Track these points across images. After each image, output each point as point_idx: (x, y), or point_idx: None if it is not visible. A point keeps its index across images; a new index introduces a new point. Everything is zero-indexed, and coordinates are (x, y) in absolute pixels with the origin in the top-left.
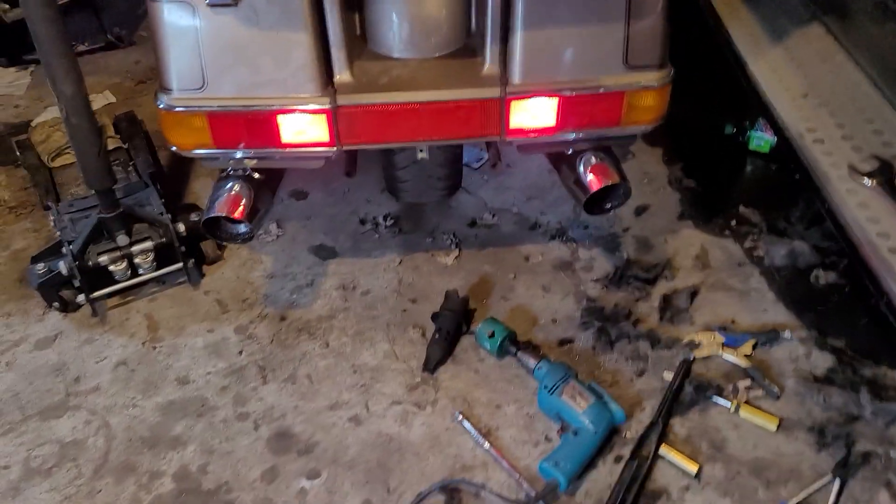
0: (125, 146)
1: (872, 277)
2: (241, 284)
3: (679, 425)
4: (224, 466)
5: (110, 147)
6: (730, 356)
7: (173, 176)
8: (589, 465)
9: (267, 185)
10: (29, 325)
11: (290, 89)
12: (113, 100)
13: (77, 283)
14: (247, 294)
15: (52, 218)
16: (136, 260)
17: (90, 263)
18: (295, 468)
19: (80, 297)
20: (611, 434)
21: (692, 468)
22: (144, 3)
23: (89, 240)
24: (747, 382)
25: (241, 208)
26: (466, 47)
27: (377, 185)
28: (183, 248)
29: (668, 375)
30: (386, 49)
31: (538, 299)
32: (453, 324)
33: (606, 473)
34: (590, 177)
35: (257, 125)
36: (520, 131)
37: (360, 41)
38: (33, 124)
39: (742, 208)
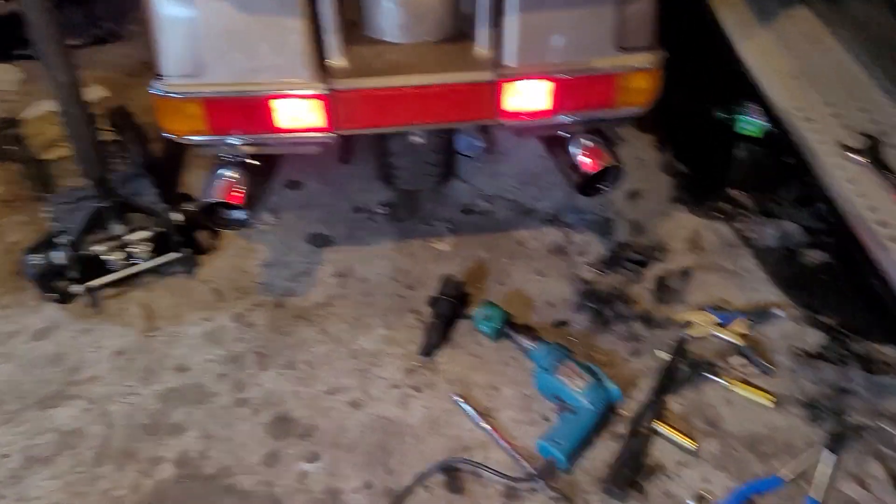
0: (118, 138)
1: (861, 250)
2: (237, 273)
3: (674, 402)
4: (224, 451)
5: (104, 139)
6: (723, 335)
7: (166, 167)
8: (587, 442)
9: (263, 171)
10: (25, 317)
11: (285, 74)
12: (105, 93)
13: (73, 274)
14: (243, 283)
15: (46, 209)
16: (132, 249)
17: (86, 253)
18: (295, 452)
19: (76, 288)
20: (607, 412)
21: (688, 444)
22: None
23: (85, 229)
24: (740, 360)
25: (237, 194)
26: (460, 31)
27: (372, 174)
28: (178, 238)
29: (663, 355)
30: (380, 33)
31: (533, 283)
32: (450, 308)
33: (604, 451)
34: (583, 159)
35: (252, 111)
36: (514, 114)
37: (354, 26)
38: (25, 118)
39: (733, 191)
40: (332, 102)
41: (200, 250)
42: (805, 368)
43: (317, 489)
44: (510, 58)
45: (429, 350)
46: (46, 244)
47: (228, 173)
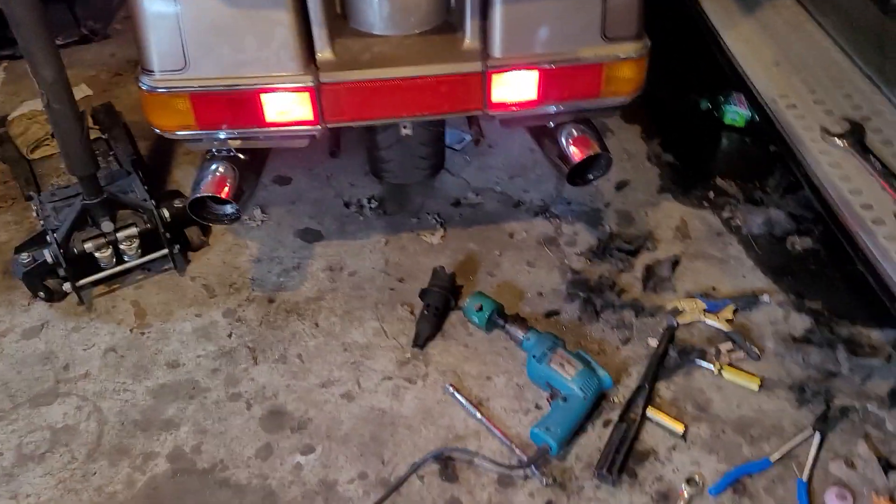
0: (104, 136)
1: (846, 233)
2: (227, 269)
3: (665, 388)
4: (218, 446)
5: (90, 137)
6: (711, 321)
7: (154, 165)
8: (579, 429)
9: (252, 166)
10: (15, 316)
11: (273, 68)
12: (90, 92)
13: (62, 272)
14: (234, 279)
15: (34, 207)
16: (121, 247)
17: (75, 251)
18: (289, 444)
19: (66, 286)
20: (599, 399)
21: (679, 428)
22: None
23: (74, 227)
24: (729, 345)
25: (226, 188)
26: (446, 23)
27: (360, 169)
28: (168, 235)
29: (653, 342)
30: (367, 26)
31: (524, 274)
32: (441, 300)
33: (596, 437)
34: (572, 148)
35: (240, 105)
36: (501, 105)
37: (341, 19)
38: (10, 118)
39: (719, 180)
40: (319, 95)
41: (190, 247)
42: (792, 352)
43: (311, 481)
44: (497, 49)
45: (421, 342)
46: (35, 243)
47: (217, 168)
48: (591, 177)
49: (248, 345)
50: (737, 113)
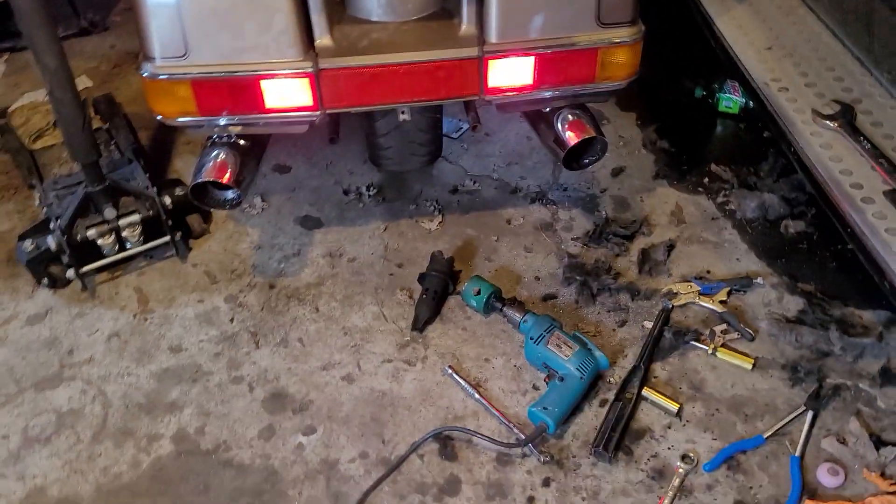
0: (105, 126)
1: (837, 212)
2: (228, 256)
3: (660, 369)
4: (221, 427)
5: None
6: (706, 303)
7: (154, 154)
8: (575, 409)
9: (252, 151)
10: (19, 303)
11: (273, 54)
12: (90, 84)
13: (65, 259)
14: (235, 265)
15: (37, 196)
16: (124, 234)
17: (78, 238)
18: (291, 425)
19: (70, 273)
20: (595, 379)
21: (674, 407)
22: None
23: (77, 214)
24: (723, 327)
25: (228, 174)
26: (443, 9)
27: (359, 157)
28: (170, 222)
29: (648, 324)
30: (365, 13)
31: (521, 259)
32: (440, 284)
33: (592, 416)
34: (567, 133)
35: (241, 91)
36: (498, 90)
37: (339, 6)
38: (11, 109)
39: (713, 166)
40: (318, 81)
41: (192, 234)
42: (785, 333)
43: (313, 461)
44: (494, 34)
45: (420, 325)
46: (38, 230)
47: (218, 154)
48: (586, 161)
49: (250, 329)
50: (731, 100)
